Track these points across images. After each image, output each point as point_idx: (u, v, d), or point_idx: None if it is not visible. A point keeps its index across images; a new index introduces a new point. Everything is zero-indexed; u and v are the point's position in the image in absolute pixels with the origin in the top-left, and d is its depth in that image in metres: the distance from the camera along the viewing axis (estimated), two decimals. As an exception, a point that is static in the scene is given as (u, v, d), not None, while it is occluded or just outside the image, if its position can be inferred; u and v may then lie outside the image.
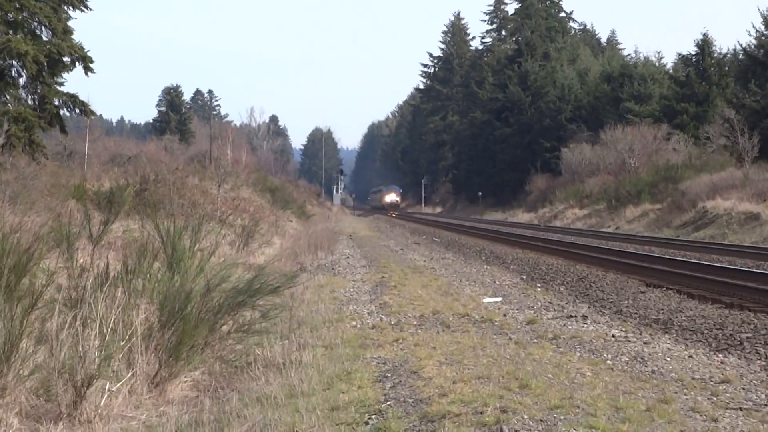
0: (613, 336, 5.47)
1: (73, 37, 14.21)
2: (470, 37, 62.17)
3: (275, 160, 61.61)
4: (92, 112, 15.20)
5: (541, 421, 3.07)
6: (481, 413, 3.16)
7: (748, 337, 5.38)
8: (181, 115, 46.15)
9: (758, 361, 4.64)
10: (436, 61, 64.28)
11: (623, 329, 5.85)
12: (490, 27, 53.77)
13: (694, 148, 25.95)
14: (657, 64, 36.50)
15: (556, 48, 41.60)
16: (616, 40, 55.45)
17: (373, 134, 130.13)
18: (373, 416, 3.35)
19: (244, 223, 13.80)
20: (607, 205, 25.56)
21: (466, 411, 3.20)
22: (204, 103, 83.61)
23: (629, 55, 41.67)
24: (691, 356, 4.73)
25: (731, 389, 3.78)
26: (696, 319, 6.21)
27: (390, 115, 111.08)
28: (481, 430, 2.97)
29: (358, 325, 6.01)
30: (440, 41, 64.14)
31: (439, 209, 59.19)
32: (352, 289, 8.47)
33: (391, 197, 61.92)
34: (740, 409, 3.38)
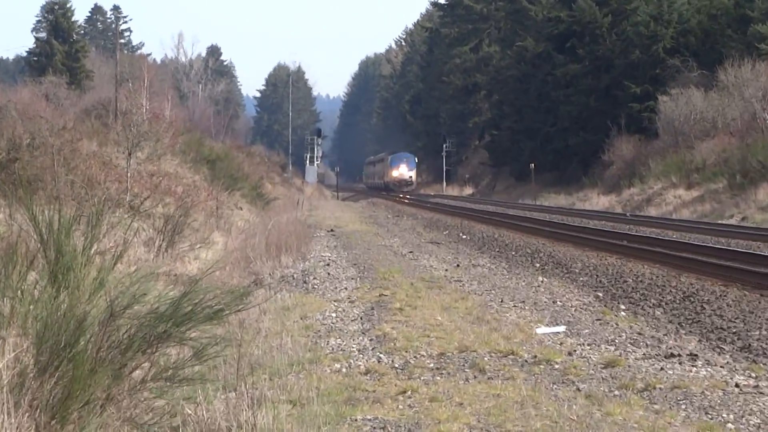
0: (737, 385, 5.46)
1: None
2: None
3: (217, 114, 61.62)
4: None
5: None
6: None
7: None
8: (70, 45, 44.11)
9: None
10: (464, -40, 64.18)
11: (753, 375, 5.83)
12: None
13: None
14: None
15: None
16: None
17: (367, 75, 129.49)
18: None
19: (167, 211, 13.87)
20: (729, 184, 25.18)
21: None
22: (106, 27, 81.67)
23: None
24: None
25: None
26: None
27: (393, 45, 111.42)
28: None
29: (344, 369, 6.07)
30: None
31: (469, 190, 59.99)
32: (334, 314, 8.56)
33: (401, 171, 61.92)
34: None
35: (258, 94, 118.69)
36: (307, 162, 70.31)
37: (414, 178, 61.58)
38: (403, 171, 61.10)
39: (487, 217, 25.43)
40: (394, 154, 62.88)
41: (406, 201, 42.71)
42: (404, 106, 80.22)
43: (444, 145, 63.64)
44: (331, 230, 21.64)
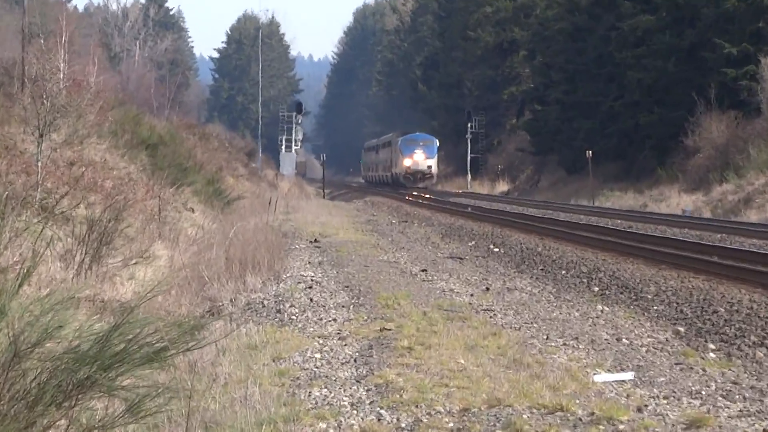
0: None
1: None
2: None
3: (160, 82, 61.62)
4: None
5: None
6: None
7: None
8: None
9: None
10: None
11: None
12: None
13: None
14: None
15: None
16: None
17: (365, 29, 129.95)
18: None
19: (92, 214, 13.91)
20: None
21: None
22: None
23: None
24: None
25: None
26: None
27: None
28: None
29: (331, 431, 6.20)
30: None
31: (503, 186, 60.58)
32: (318, 355, 8.66)
33: (416, 159, 62.22)
34: None
35: (216, 55, 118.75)
36: (283, 147, 70.43)
37: (435, 168, 61.56)
38: (419, 159, 60.92)
39: (528, 224, 25.55)
40: (406, 135, 62.62)
41: (420, 201, 42.84)
42: (415, 71, 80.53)
43: (469, 126, 63.98)
44: (315, 240, 21.80)
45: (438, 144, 62.17)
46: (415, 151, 60.92)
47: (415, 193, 50.12)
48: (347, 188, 70.94)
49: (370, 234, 24.78)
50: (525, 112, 60.11)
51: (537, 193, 51.62)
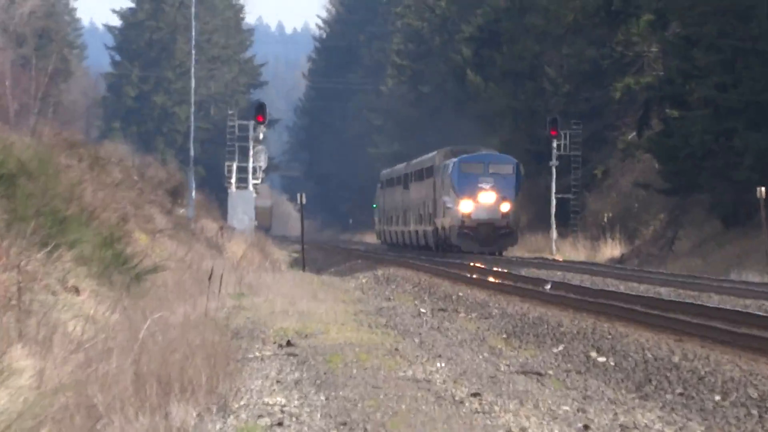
0: None
1: None
2: None
3: (19, 68, 61.51)
4: None
5: None
6: None
7: None
8: None
9: None
10: None
11: None
12: None
13: None
14: None
15: None
16: None
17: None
18: None
19: None
20: None
21: None
22: None
23: None
24: None
25: None
26: None
27: None
28: None
29: None
30: None
31: (613, 249, 60.55)
32: None
33: (485, 200, 61.62)
34: None
35: (116, 22, 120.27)
36: (233, 183, 70.53)
37: (515, 217, 61.58)
38: (489, 199, 61.03)
39: (656, 314, 25.49)
40: (464, 155, 62.67)
41: (469, 274, 43.01)
42: (460, 51, 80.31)
43: (554, 144, 63.89)
44: (289, 343, 21.89)
45: (521, 170, 62.03)
46: (481, 184, 60.89)
47: (474, 264, 49.34)
48: (345, 252, 70.89)
49: (384, 331, 24.73)
50: (651, 120, 60.13)
51: (672, 260, 51.59)
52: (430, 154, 68.12)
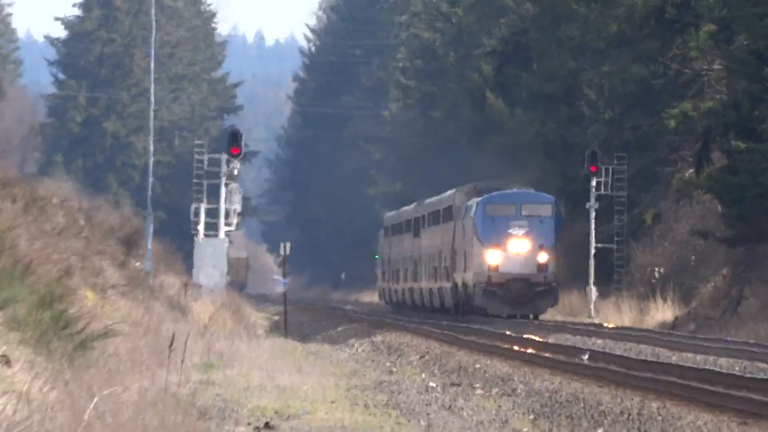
0: None
1: None
2: None
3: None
4: None
5: None
6: None
7: None
8: None
9: None
10: None
11: None
12: None
13: None
14: None
15: None
16: None
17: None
18: None
19: None
20: None
21: None
22: None
23: None
24: None
25: None
26: None
27: None
28: None
29: None
30: None
31: (664, 311, 60.25)
32: None
33: (517, 248, 61.75)
34: None
35: (60, 33, 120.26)
36: (200, 229, 70.67)
37: (554, 270, 61.46)
38: (522, 247, 61.30)
39: (719, 392, 25.31)
40: (491, 194, 62.74)
41: (486, 340, 42.81)
42: (480, 67, 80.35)
43: (593, 183, 63.80)
44: (267, 426, 21.93)
45: (562, 211, 61.64)
46: (513, 229, 60.96)
47: (495, 329, 49.02)
48: (336, 315, 70.90)
49: (384, 411, 24.86)
50: (712, 153, 60.02)
51: (736, 325, 51.78)
52: (448, 193, 68.46)
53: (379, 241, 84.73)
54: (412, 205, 77.42)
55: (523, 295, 59.16)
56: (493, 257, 59.50)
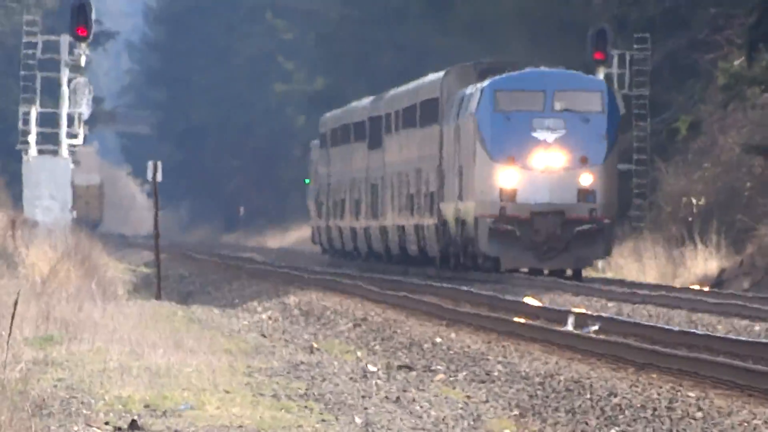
0: None
1: None
2: None
3: None
4: None
5: None
6: None
7: None
8: None
9: None
10: None
11: None
12: None
13: None
14: None
15: None
16: None
17: None
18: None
19: None
20: None
21: None
22: None
23: None
24: None
25: None
26: None
27: None
28: None
29: None
30: None
31: (708, 262, 60.61)
32: None
33: (554, 159, 60.98)
34: None
35: None
36: (32, 143, 70.70)
37: (607, 200, 60.38)
38: (555, 163, 60.34)
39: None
40: (502, 74, 60.88)
41: (460, 302, 42.87)
42: None
43: (601, 75, 63.69)
44: (133, 425, 21.88)
45: (617, 103, 60.40)
46: (538, 133, 59.19)
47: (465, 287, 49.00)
48: (231, 267, 71.25)
49: (301, 406, 24.95)
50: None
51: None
52: (431, 77, 66.67)
53: (311, 158, 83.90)
54: (368, 100, 75.48)
55: (557, 238, 57.61)
56: (508, 178, 57.71)
